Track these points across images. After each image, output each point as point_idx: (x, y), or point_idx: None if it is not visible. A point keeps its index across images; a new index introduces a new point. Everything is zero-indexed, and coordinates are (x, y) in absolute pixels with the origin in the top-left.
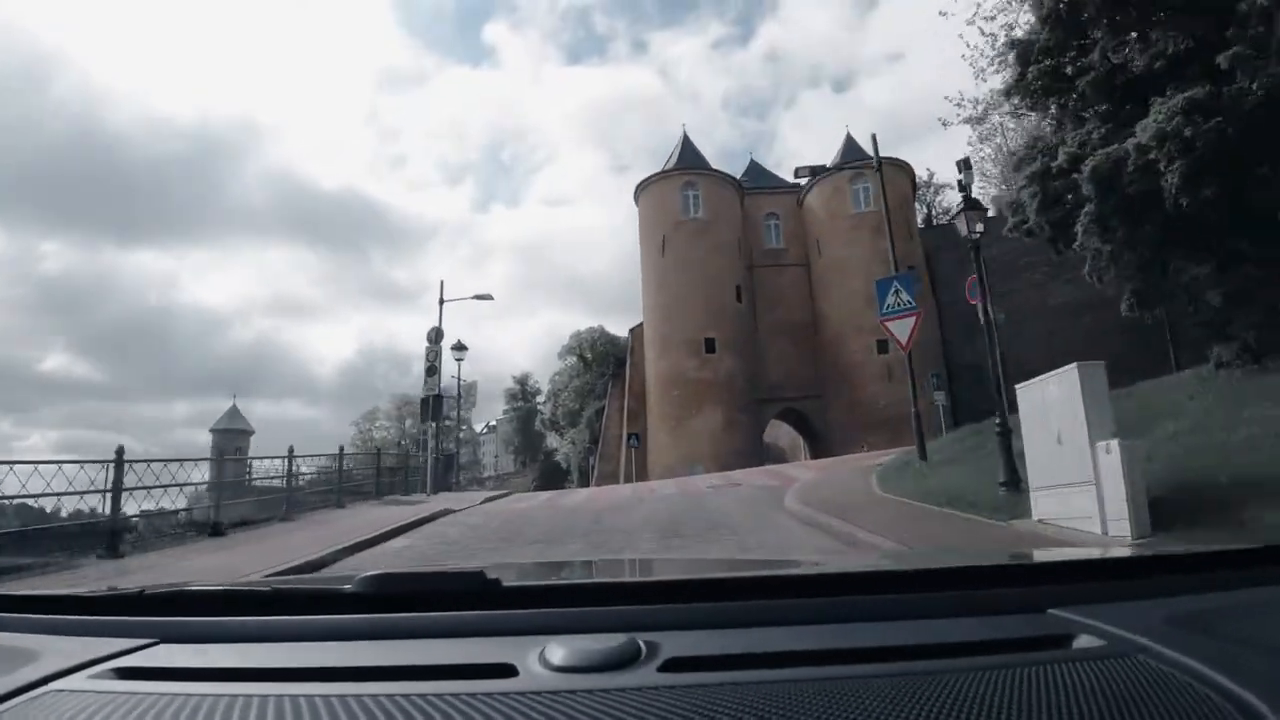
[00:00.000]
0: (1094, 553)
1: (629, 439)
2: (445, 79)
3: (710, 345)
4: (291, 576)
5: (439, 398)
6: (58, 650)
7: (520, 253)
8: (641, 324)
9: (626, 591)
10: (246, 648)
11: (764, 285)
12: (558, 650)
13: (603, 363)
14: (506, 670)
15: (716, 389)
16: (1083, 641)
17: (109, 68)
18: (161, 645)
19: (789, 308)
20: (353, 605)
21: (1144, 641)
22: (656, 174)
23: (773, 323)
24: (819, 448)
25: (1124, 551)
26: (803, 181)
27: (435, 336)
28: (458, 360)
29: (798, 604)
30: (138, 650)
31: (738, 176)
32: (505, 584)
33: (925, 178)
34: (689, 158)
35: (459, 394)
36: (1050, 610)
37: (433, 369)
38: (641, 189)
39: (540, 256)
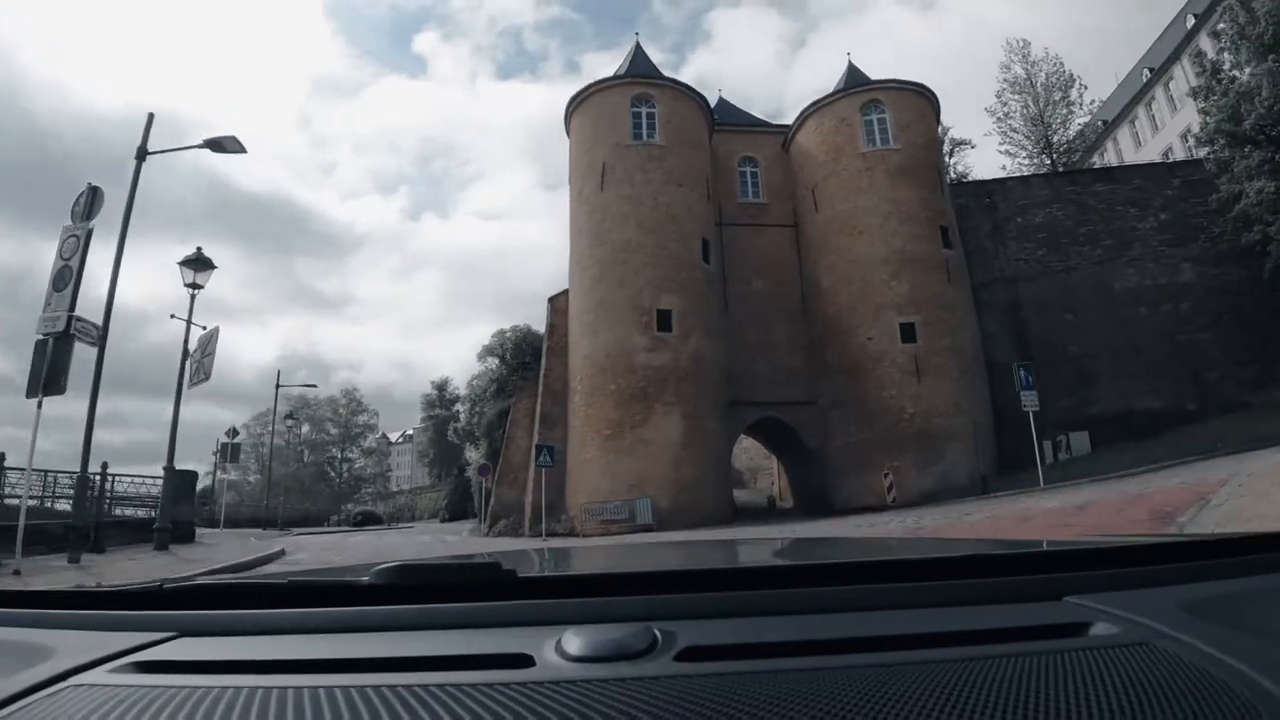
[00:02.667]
0: (1111, 540)
1: (538, 454)
2: (381, 88)
3: (665, 320)
4: (308, 570)
5: (67, 339)
6: (76, 645)
7: (453, 265)
8: (566, 291)
9: (642, 580)
10: (265, 640)
11: (737, 250)
12: (574, 640)
13: (518, 355)
14: (523, 660)
15: (677, 382)
16: (1100, 628)
17: (33, 57)
18: (181, 639)
19: (771, 280)
20: (369, 597)
21: (1161, 628)
22: (598, 83)
23: (748, 300)
24: (807, 473)
25: (1141, 539)
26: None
27: (89, 200)
28: (191, 290)
29: (816, 592)
30: (157, 644)
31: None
32: (521, 574)
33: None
34: (642, 67)
35: (185, 350)
36: (1068, 598)
37: (65, 275)
38: (576, 106)
39: (474, 269)
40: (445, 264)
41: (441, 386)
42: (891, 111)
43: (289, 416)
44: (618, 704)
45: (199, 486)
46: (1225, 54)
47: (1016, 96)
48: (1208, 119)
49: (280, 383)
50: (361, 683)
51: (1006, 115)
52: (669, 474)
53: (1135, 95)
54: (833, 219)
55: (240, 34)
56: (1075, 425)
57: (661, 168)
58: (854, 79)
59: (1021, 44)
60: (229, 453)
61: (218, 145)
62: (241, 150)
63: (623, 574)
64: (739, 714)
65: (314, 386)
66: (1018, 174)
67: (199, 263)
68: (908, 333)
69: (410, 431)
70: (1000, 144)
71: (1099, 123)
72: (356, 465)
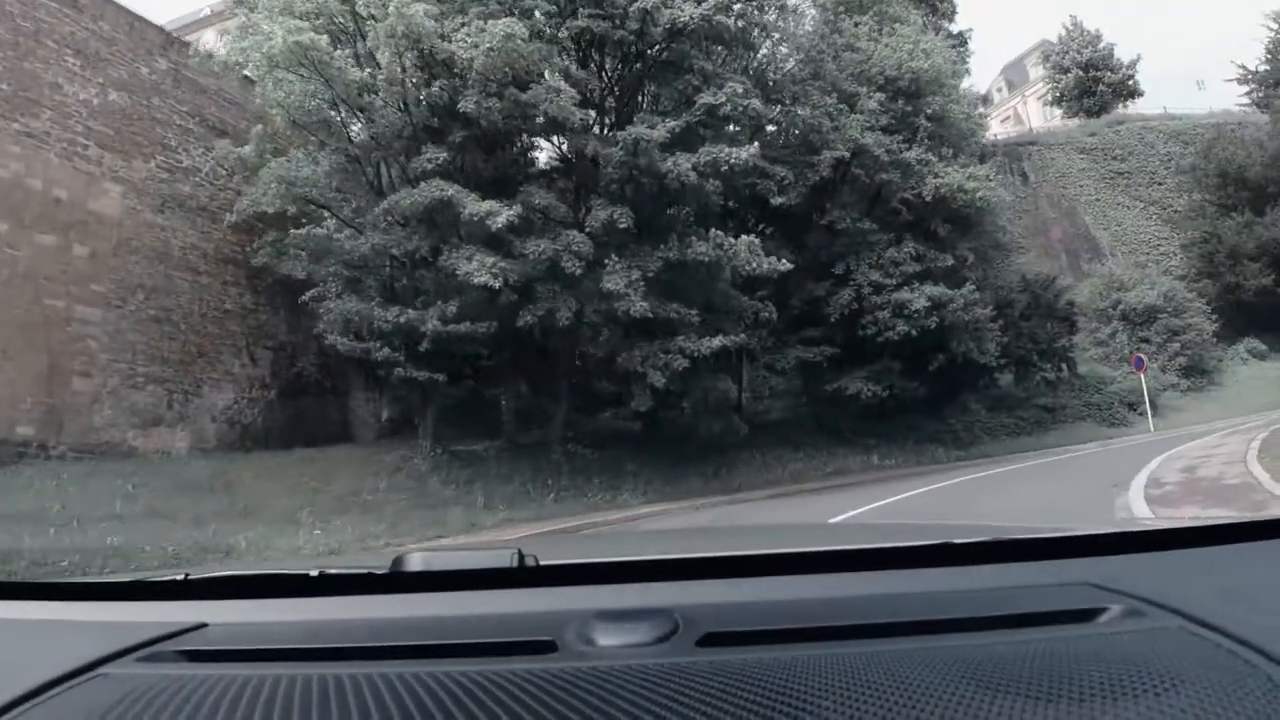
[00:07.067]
0: (1131, 526)
1: None
2: None
3: None
4: (330, 561)
5: None
6: (106, 635)
7: None
8: None
9: (665, 567)
10: (290, 628)
11: None
12: (596, 626)
13: None
14: (546, 647)
15: None
16: (1123, 613)
17: None
18: (208, 628)
19: None
20: (392, 585)
21: (1181, 611)
22: None
23: None
24: None
25: (1161, 523)
26: None
27: None
28: None
29: (836, 579)
30: (184, 633)
31: None
32: (543, 562)
33: None
34: None
35: None
36: (1088, 583)
37: None
38: None
39: None
40: None
41: None
42: None
43: None
44: (641, 689)
45: None
46: None
47: None
48: None
49: None
50: (387, 670)
51: None
52: None
53: None
54: None
55: None
56: None
57: None
58: None
59: None
60: None
61: None
62: None
63: (644, 561)
64: (759, 699)
65: None
66: None
67: None
68: None
69: None
70: None
71: None
72: None
